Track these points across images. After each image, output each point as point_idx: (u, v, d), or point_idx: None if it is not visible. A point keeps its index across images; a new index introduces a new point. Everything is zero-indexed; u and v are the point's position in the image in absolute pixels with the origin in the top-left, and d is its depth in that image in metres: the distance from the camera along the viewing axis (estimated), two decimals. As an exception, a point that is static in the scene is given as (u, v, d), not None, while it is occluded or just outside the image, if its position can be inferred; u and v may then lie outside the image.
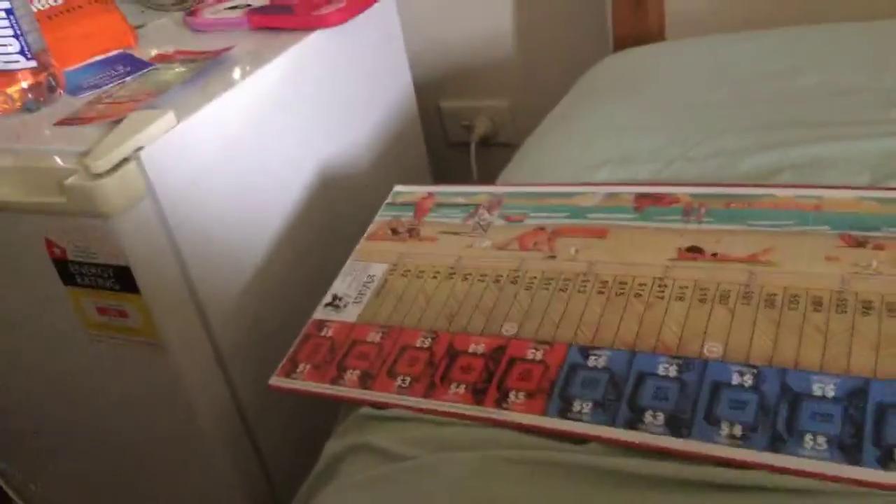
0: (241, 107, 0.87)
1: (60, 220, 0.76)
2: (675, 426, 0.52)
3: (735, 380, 0.54)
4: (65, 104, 0.90)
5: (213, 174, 0.83)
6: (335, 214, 1.01)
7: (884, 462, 0.47)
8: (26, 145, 0.82)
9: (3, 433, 1.01)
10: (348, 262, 0.78)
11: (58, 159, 0.78)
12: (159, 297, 0.77)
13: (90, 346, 0.84)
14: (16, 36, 0.87)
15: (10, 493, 1.06)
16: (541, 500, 0.49)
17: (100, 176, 0.72)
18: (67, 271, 0.78)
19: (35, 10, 0.94)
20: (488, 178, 0.92)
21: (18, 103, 0.90)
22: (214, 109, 0.83)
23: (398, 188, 0.86)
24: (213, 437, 0.85)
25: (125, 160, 0.74)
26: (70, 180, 0.73)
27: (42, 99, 0.90)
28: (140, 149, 0.75)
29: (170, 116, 0.79)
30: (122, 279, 0.76)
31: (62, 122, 0.85)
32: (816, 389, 0.52)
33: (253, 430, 0.89)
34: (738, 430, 0.51)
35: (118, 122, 0.79)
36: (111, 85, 0.93)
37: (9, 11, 0.86)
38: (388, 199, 0.85)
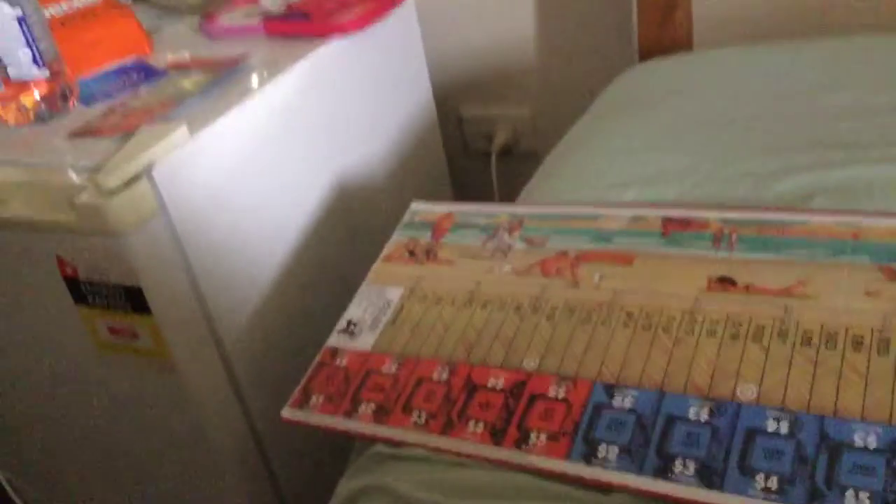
0: (256, 118, 0.85)
1: (72, 239, 0.74)
2: (707, 476, 0.49)
3: (770, 426, 0.51)
4: (78, 114, 0.89)
5: (227, 189, 0.81)
6: (352, 228, 0.98)
7: (931, 523, 0.44)
8: (39, 159, 0.80)
9: (15, 449, 0.99)
10: (363, 285, 0.75)
11: (72, 174, 0.76)
12: (171, 317, 0.75)
13: (102, 366, 0.82)
14: (28, 45, 0.85)
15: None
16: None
17: (110, 193, 0.70)
18: (79, 291, 0.77)
19: (48, 15, 0.93)
20: (509, 188, 0.90)
21: (31, 113, 0.88)
22: (229, 122, 0.81)
23: (415, 206, 0.84)
24: (225, 459, 0.83)
25: (136, 177, 0.72)
26: (80, 198, 0.71)
27: (55, 109, 0.89)
28: (152, 165, 0.73)
29: (183, 130, 0.77)
30: (134, 299, 0.74)
31: (75, 134, 0.84)
32: (858, 439, 0.49)
33: (267, 452, 0.86)
34: (773, 483, 0.48)
35: (131, 135, 0.77)
36: (125, 95, 0.91)
37: (21, 20, 0.85)
38: (406, 218, 0.83)
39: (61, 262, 0.76)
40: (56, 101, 0.89)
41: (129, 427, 0.86)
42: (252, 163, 0.84)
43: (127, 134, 0.78)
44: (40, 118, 0.88)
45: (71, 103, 0.91)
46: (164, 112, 0.83)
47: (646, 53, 1.12)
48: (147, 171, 0.73)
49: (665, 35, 1.11)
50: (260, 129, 0.85)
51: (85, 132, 0.84)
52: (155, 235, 0.73)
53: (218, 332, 0.79)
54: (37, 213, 0.75)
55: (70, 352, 0.83)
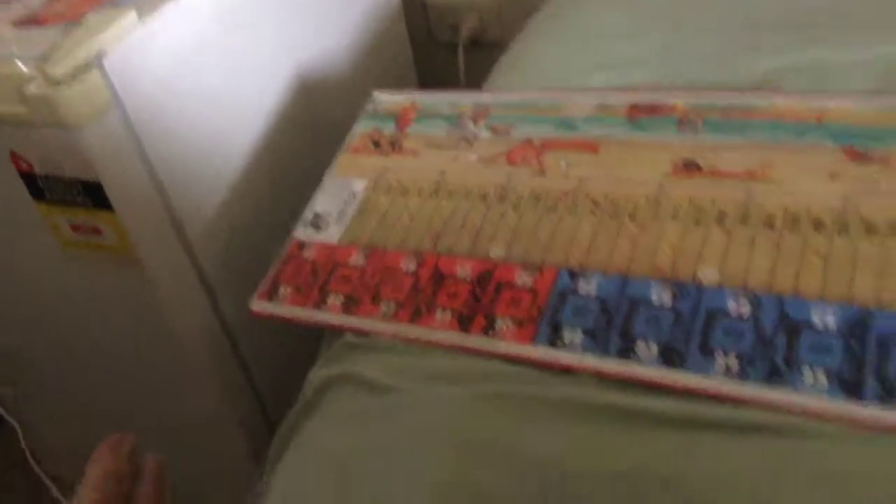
0: (208, 5, 0.81)
1: (25, 132, 0.71)
2: (669, 357, 0.51)
3: (731, 308, 0.52)
4: (20, 3, 0.84)
5: (183, 79, 0.78)
6: (316, 120, 0.96)
7: (885, 399, 0.45)
8: (-20, 49, 0.76)
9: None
10: (328, 176, 0.74)
11: (19, 63, 0.72)
12: (133, 212, 0.74)
13: (68, 265, 0.81)
14: (-37, -72, 0.80)
15: (1, 410, 1.06)
16: (534, 440, 0.48)
17: (60, 83, 0.67)
18: (36, 186, 0.75)
19: None
20: (476, 79, 0.88)
21: (-29, 2, 0.83)
22: (180, 7, 0.77)
23: (378, 95, 0.82)
24: (195, 352, 0.84)
25: (87, 66, 0.69)
26: (29, 88, 0.68)
27: (-4, -2, 0.84)
28: (102, 53, 0.70)
29: (132, 16, 0.73)
30: (94, 195, 0.73)
31: (19, 23, 0.80)
32: (816, 319, 0.50)
33: (238, 344, 0.87)
34: (733, 362, 0.49)
35: (76, 22, 0.74)
36: (69, -18, 0.86)
37: None
38: (368, 108, 0.81)
39: (15, 157, 0.74)
40: (-3, -12, 0.85)
41: (97, 325, 0.86)
42: (208, 50, 0.81)
43: (73, 22, 0.75)
44: (-19, 6, 0.84)
45: (13, -9, 0.86)
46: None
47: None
48: (97, 60, 0.70)
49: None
50: (214, 17, 0.82)
51: (29, 21, 0.80)
52: (110, 127, 0.71)
53: (182, 226, 0.78)
54: (-16, 105, 0.72)
55: (34, 251, 0.81)
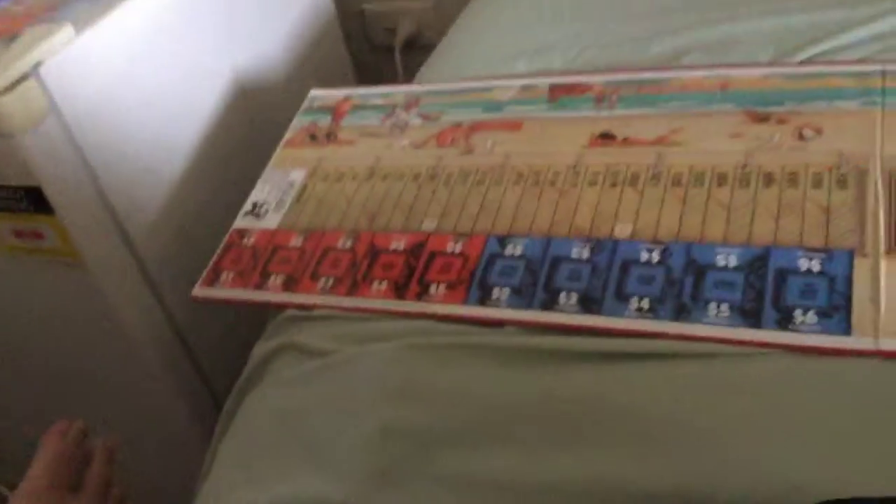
0: (145, 15, 0.83)
1: (-38, 142, 0.73)
2: (588, 304, 0.54)
3: (643, 257, 0.56)
4: (-43, 22, 0.85)
5: (120, 87, 0.80)
6: (254, 123, 0.99)
7: (782, 324, 0.50)
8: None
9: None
10: (267, 169, 0.77)
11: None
12: (75, 216, 0.76)
13: (12, 270, 0.82)
14: None
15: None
16: (457, 380, 0.51)
17: (-1, 94, 0.70)
18: (-23, 195, 0.76)
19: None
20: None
21: None
22: (116, 20, 0.80)
23: (314, 92, 0.85)
24: (146, 352, 0.85)
25: (23, 77, 0.71)
26: (-33, 99, 0.70)
27: (-69, 17, 0.85)
28: (39, 64, 0.72)
29: (68, 30, 0.76)
30: (35, 200, 0.74)
31: (-46, 41, 0.81)
32: (720, 260, 0.54)
33: (186, 339, 0.89)
34: (645, 304, 0.53)
35: (13, 38, 0.76)
36: (6, 2, 0.88)
37: None
38: (305, 104, 0.84)
39: (-45, 168, 0.75)
40: (-68, 8, 0.86)
41: (45, 329, 0.87)
42: (144, 58, 0.83)
43: (10, 37, 0.77)
44: (-83, 27, 0.85)
45: (-52, 10, 0.87)
46: (47, 15, 0.81)
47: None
48: (34, 71, 0.72)
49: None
50: (150, 27, 0.84)
51: (-35, 38, 0.82)
52: (49, 134, 0.73)
53: (124, 226, 0.80)
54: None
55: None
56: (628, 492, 0.44)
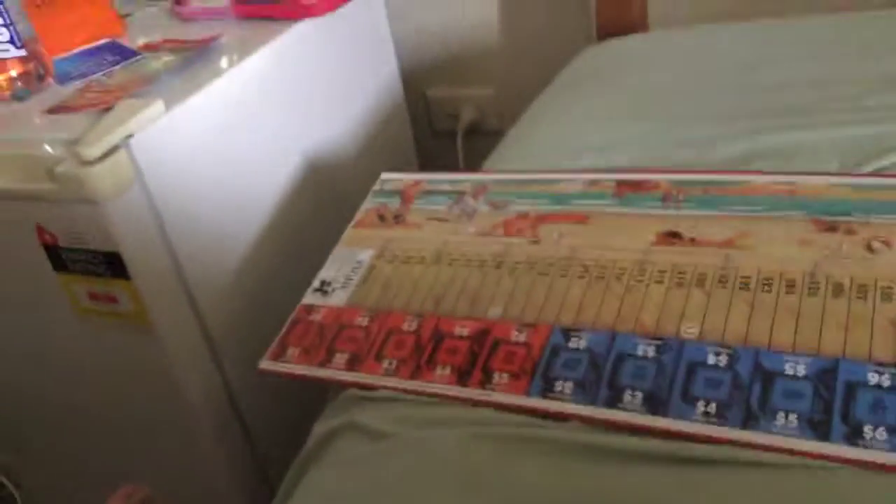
0: (227, 96, 0.88)
1: (51, 207, 0.77)
2: (653, 404, 0.54)
3: (710, 360, 0.56)
4: (54, 93, 0.91)
5: (201, 162, 0.84)
6: (322, 202, 1.02)
7: (851, 439, 0.49)
8: (17, 133, 0.83)
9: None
10: (336, 248, 0.79)
11: (48, 147, 0.79)
12: (149, 282, 0.79)
13: (81, 331, 0.85)
14: (5, 25, 0.88)
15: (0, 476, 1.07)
16: (520, 474, 0.51)
17: (90, 163, 0.73)
18: (59, 258, 0.79)
19: (24, -2, 0.95)
20: (475, 166, 0.94)
21: (7, 92, 0.91)
22: (202, 98, 0.84)
23: (385, 175, 0.88)
24: (202, 420, 0.87)
25: (115, 147, 0.75)
26: (61, 167, 0.74)
27: (31, 87, 0.91)
28: (130, 136, 0.76)
29: (159, 105, 0.80)
30: (113, 265, 0.77)
31: (52, 111, 0.86)
32: (788, 369, 0.54)
33: (242, 413, 0.90)
34: (713, 408, 0.53)
35: (108, 110, 0.80)
36: (100, 74, 0.94)
37: (-1, 0, 0.87)
38: (376, 187, 0.87)
39: (41, 231, 0.79)
40: (32, 80, 0.92)
41: (108, 388, 0.89)
42: (224, 137, 0.87)
43: (102, 110, 0.81)
44: (17, 96, 0.91)
45: (47, 82, 0.93)
46: (138, 89, 0.86)
47: (603, 34, 1.17)
48: (125, 143, 0.76)
49: (622, 16, 1.16)
50: (231, 106, 0.89)
51: (61, 109, 0.87)
52: (133, 203, 0.76)
53: (194, 296, 0.83)
54: (16, 184, 0.78)
55: (49, 318, 0.85)
56: None
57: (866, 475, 0.47)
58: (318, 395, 0.72)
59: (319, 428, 0.63)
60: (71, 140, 0.77)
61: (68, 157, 0.75)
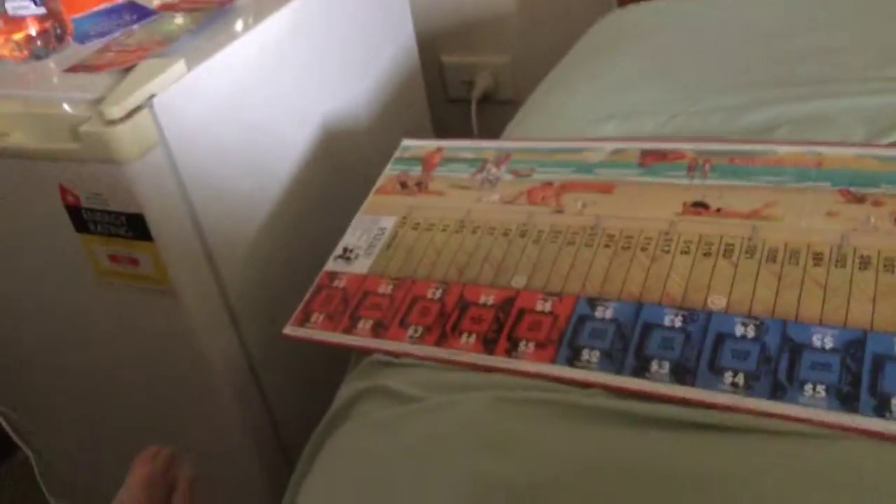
0: (246, 58, 0.87)
1: (74, 167, 0.77)
2: (680, 375, 0.55)
3: (738, 331, 0.56)
4: (73, 52, 0.90)
5: (222, 124, 0.84)
6: (339, 167, 1.02)
7: (879, 411, 0.49)
8: (38, 92, 0.82)
9: (12, 378, 1.02)
10: (358, 214, 0.79)
11: (67, 107, 0.78)
12: (171, 244, 0.79)
13: (101, 293, 0.85)
14: (23, -18, 0.87)
15: (16, 439, 1.08)
16: (551, 437, 0.52)
17: (114, 123, 0.73)
18: (81, 218, 0.79)
19: (42, -44, 0.94)
20: (488, 135, 0.93)
21: (27, 50, 0.90)
22: (222, 60, 0.83)
23: (406, 142, 0.88)
24: (221, 383, 0.87)
25: (138, 108, 0.75)
26: (84, 127, 0.73)
27: (51, 46, 0.90)
28: (152, 97, 0.75)
29: (181, 65, 0.79)
30: (135, 227, 0.77)
31: (72, 70, 0.86)
32: (816, 340, 0.54)
33: (260, 377, 0.91)
34: (740, 379, 0.53)
35: (129, 69, 0.80)
36: (119, 33, 0.93)
37: (17, -42, 0.86)
38: (397, 154, 0.86)
39: (63, 191, 0.79)
40: (51, 38, 0.91)
41: (127, 352, 0.90)
42: (243, 100, 0.87)
43: (123, 69, 0.81)
44: (36, 55, 0.90)
45: (66, 41, 0.92)
46: (159, 49, 0.85)
47: (624, 1, 1.15)
48: (148, 103, 0.75)
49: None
50: (250, 69, 0.88)
51: (81, 68, 0.86)
52: (156, 164, 0.76)
53: (215, 259, 0.83)
54: (39, 143, 0.78)
55: (70, 279, 0.85)
56: None
57: (894, 447, 0.48)
58: (334, 361, 0.72)
59: (345, 391, 0.64)
60: (93, 100, 0.76)
61: (92, 117, 0.74)
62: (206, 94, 0.82)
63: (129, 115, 0.74)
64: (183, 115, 0.79)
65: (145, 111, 0.75)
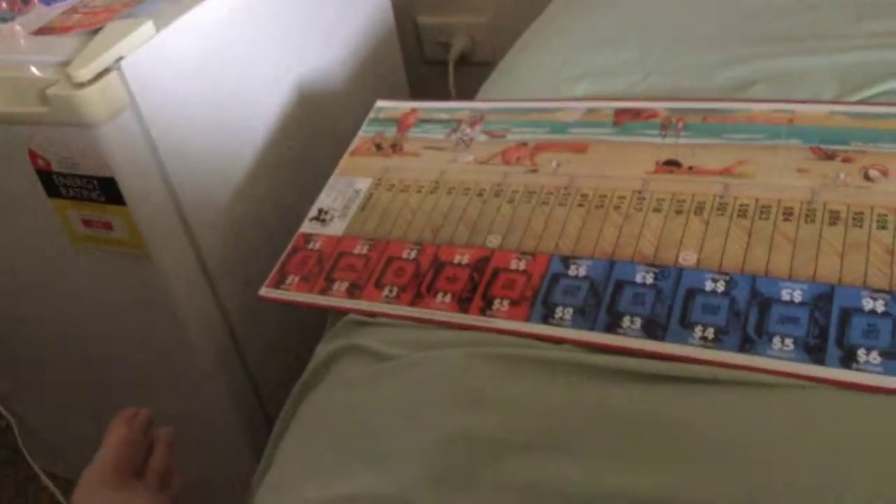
0: (216, 19, 0.86)
1: (43, 131, 0.76)
2: (651, 330, 0.55)
3: (708, 286, 0.57)
4: (39, 14, 0.88)
5: (193, 86, 0.83)
6: (314, 129, 1.01)
7: (845, 362, 0.50)
8: (4, 55, 0.81)
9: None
10: (333, 176, 0.79)
11: (34, 70, 0.77)
12: (144, 208, 0.78)
13: (77, 259, 0.84)
14: (-14, -58, 0.85)
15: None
16: (522, 391, 0.53)
17: (82, 85, 0.72)
18: (52, 183, 0.78)
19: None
20: (466, 97, 0.93)
21: (-9, 13, 0.88)
22: (190, 21, 0.82)
23: (380, 103, 0.87)
24: (200, 346, 0.87)
25: (106, 70, 0.74)
26: (52, 90, 0.72)
27: (16, 9, 0.88)
28: (121, 58, 0.74)
29: (149, 26, 0.78)
30: (107, 191, 0.77)
31: (39, 32, 0.84)
32: (785, 295, 0.55)
33: (238, 340, 0.91)
34: (710, 333, 0.54)
35: (96, 32, 0.78)
36: (85, -6, 0.91)
37: (-21, -83, 0.84)
38: (371, 115, 0.86)
39: (33, 155, 0.78)
40: (16, 0, 0.89)
41: (106, 317, 0.89)
42: (214, 62, 0.85)
43: (90, 31, 0.79)
44: (2, 18, 0.88)
45: (31, 4, 0.90)
46: (126, 10, 0.84)
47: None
48: (116, 65, 0.74)
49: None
50: (222, 29, 0.87)
51: (48, 30, 0.84)
52: (126, 127, 0.75)
53: (189, 223, 0.82)
54: (7, 107, 0.76)
55: (45, 246, 0.85)
56: None
57: (858, 396, 0.49)
58: (312, 322, 0.72)
59: (321, 351, 0.64)
60: (60, 62, 0.75)
61: (60, 80, 0.73)
62: (175, 55, 0.80)
63: (98, 77, 0.73)
64: (153, 77, 0.77)
65: (114, 73, 0.74)
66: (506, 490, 0.48)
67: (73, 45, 0.77)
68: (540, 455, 0.49)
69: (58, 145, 0.76)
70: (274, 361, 0.96)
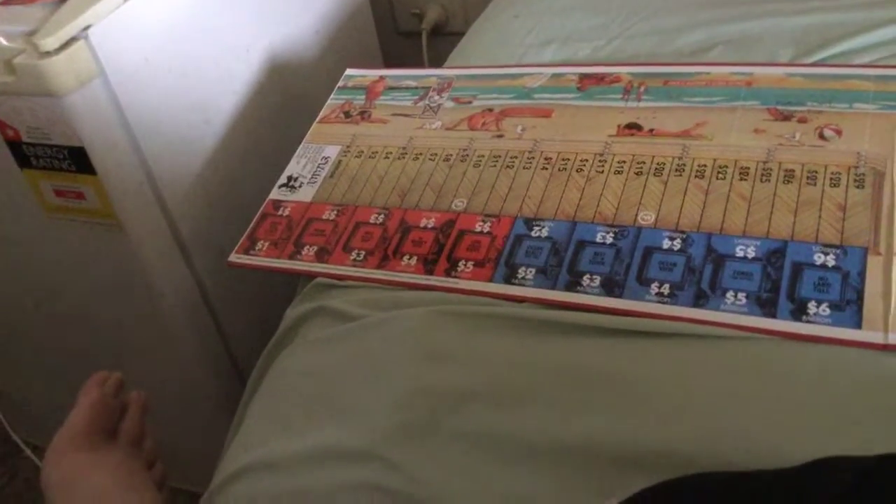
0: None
1: (11, 101, 0.76)
2: (610, 287, 0.57)
3: (665, 244, 0.58)
4: (5, -16, 0.88)
5: (162, 55, 0.83)
6: (287, 98, 1.01)
7: (796, 315, 0.52)
8: (-31, 26, 0.80)
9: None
10: (302, 144, 0.80)
11: (2, 39, 0.77)
12: (115, 177, 0.78)
13: (51, 229, 0.85)
14: (-52, -89, 0.84)
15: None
16: (482, 346, 0.54)
17: (49, 54, 0.72)
18: (22, 153, 0.79)
19: None
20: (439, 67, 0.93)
21: (-45, -17, 0.87)
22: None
23: (350, 72, 0.88)
24: (175, 314, 0.88)
25: (73, 39, 0.74)
26: (19, 59, 0.72)
27: (-19, -22, 0.88)
28: (88, 27, 0.74)
29: (116, -5, 0.78)
30: (78, 160, 0.77)
31: (5, 3, 0.84)
32: (739, 251, 0.57)
33: (213, 305, 0.92)
34: (666, 289, 0.56)
35: (63, 1, 0.78)
36: (52, -36, 0.91)
37: None
38: (340, 83, 0.86)
39: (2, 125, 0.78)
40: (-19, -31, 0.88)
41: (82, 288, 0.90)
42: (185, 29, 0.85)
43: (56, 1, 0.79)
44: (-34, -13, 0.88)
45: (-4, -28, 0.90)
46: (93, -20, 0.84)
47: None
48: (83, 33, 0.74)
49: None
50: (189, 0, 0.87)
51: (13, 0, 0.84)
52: (95, 96, 0.75)
53: (161, 192, 0.83)
54: (-26, 78, 0.76)
55: (18, 216, 0.85)
56: (626, 453, 0.47)
57: (807, 346, 0.51)
58: (284, 286, 0.73)
59: (291, 313, 0.65)
60: (27, 32, 0.75)
61: (27, 49, 0.73)
62: (144, 24, 0.81)
63: (65, 46, 0.73)
64: (121, 46, 0.78)
65: (81, 42, 0.74)
66: (466, 439, 0.50)
67: (41, 15, 0.77)
68: (500, 406, 0.51)
69: (26, 115, 0.76)
70: (250, 327, 0.97)
